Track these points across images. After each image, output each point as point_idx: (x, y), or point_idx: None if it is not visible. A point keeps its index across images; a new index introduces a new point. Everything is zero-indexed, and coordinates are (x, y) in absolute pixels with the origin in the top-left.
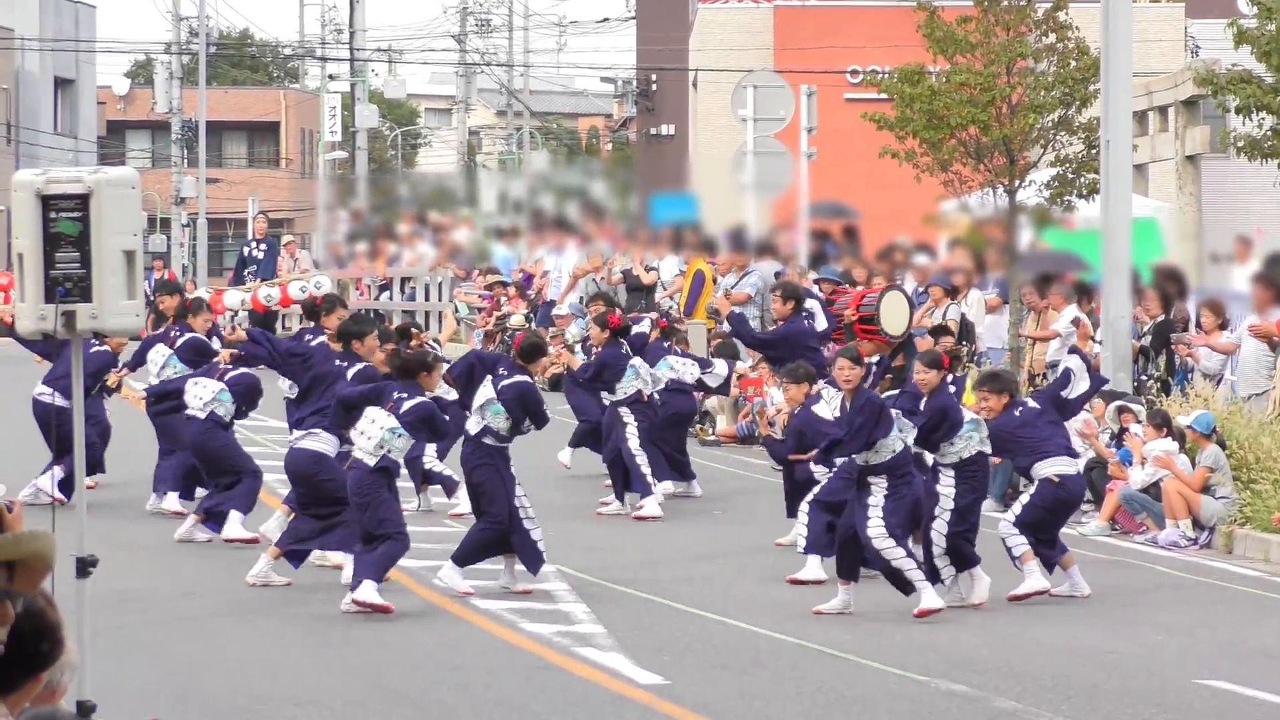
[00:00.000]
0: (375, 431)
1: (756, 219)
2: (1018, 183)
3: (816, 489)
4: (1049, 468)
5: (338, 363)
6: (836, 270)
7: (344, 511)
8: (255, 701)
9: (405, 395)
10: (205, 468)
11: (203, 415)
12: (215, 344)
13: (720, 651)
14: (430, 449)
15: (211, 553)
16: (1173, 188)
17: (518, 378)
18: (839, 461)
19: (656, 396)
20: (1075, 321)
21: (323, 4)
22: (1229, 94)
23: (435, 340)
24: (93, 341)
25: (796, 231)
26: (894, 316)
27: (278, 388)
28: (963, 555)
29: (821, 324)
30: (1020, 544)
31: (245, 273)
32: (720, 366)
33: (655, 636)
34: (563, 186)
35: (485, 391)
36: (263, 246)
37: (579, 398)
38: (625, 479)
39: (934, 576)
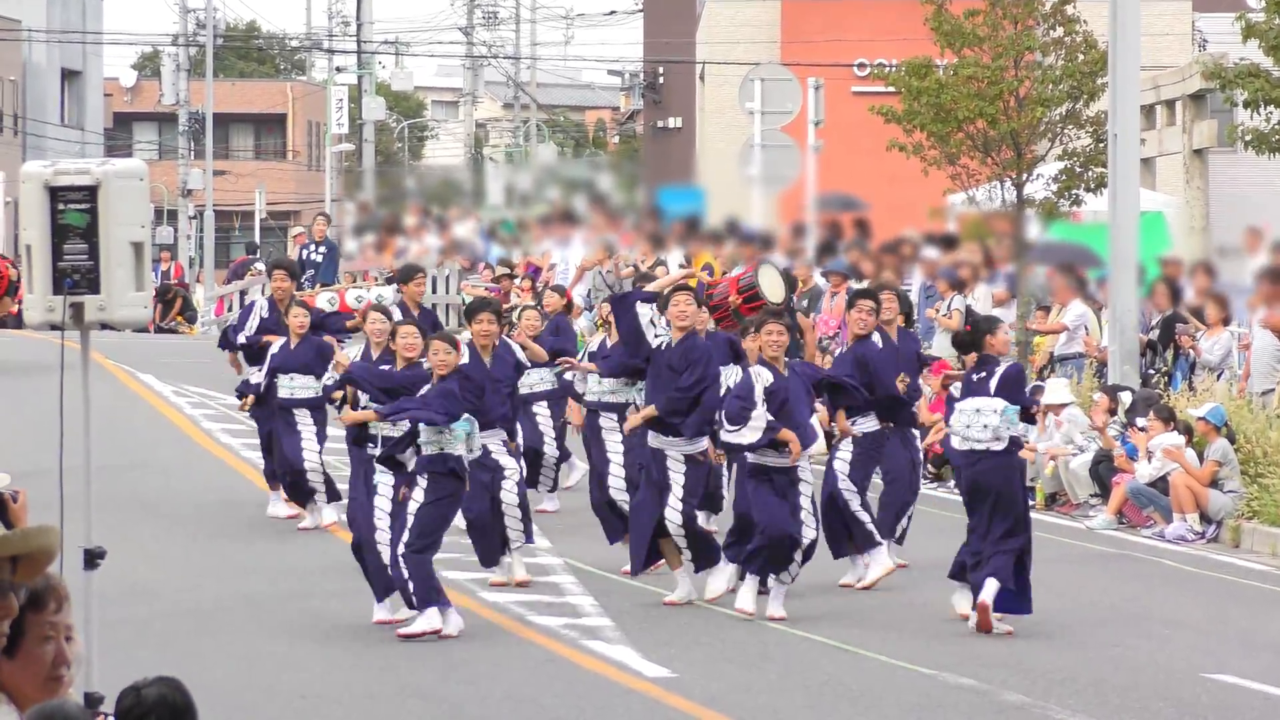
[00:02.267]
0: None
1: (763, 212)
2: (1025, 176)
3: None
4: None
5: None
6: (844, 263)
7: None
8: (263, 695)
9: None
10: None
11: None
12: None
13: (727, 645)
14: None
15: (219, 546)
16: (1180, 182)
17: None
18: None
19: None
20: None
21: None
22: (1237, 88)
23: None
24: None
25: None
26: (772, 285)
27: None
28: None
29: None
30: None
31: (303, 278)
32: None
33: (662, 629)
34: (569, 180)
35: None
36: (322, 249)
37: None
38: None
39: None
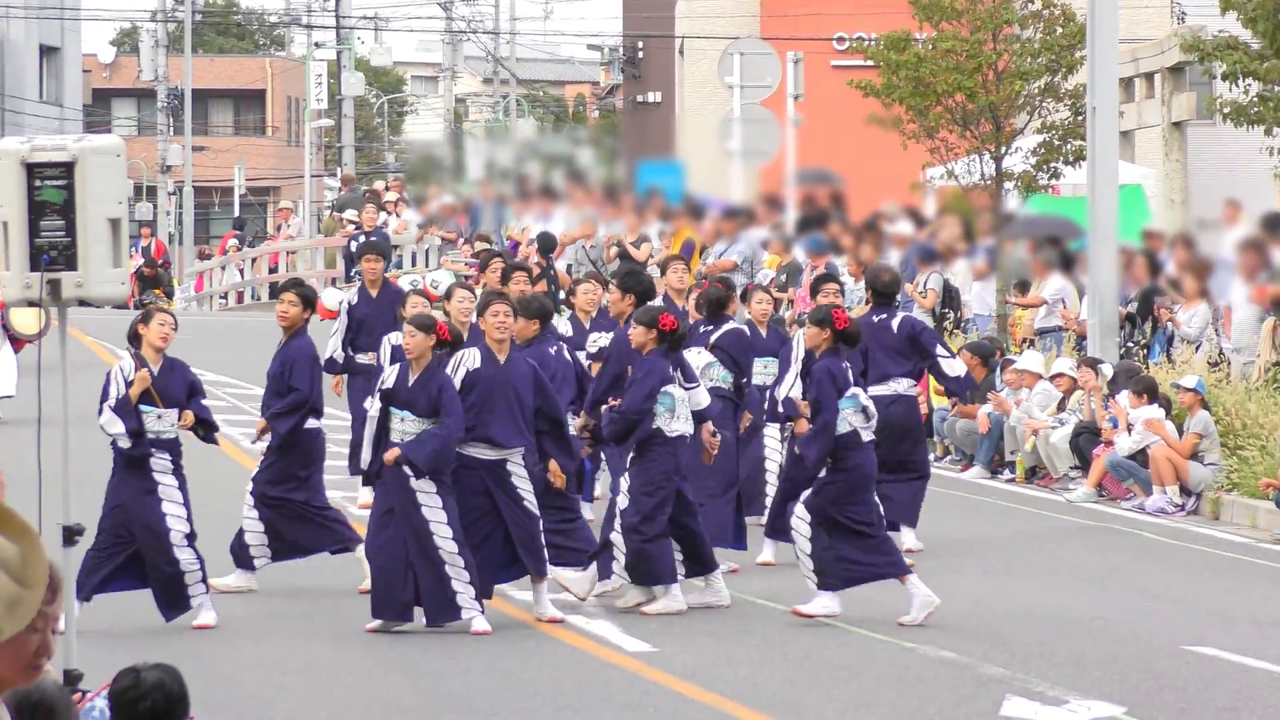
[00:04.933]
0: None
1: (743, 186)
2: (1004, 149)
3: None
4: None
5: None
6: (823, 238)
7: None
8: (244, 669)
9: None
10: None
11: None
12: None
13: (707, 619)
14: None
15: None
16: (1159, 154)
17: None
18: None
19: None
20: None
21: None
22: (1215, 60)
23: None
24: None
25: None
26: None
27: None
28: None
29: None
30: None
31: (354, 272)
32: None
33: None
34: (549, 154)
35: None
36: (373, 240)
37: None
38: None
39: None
